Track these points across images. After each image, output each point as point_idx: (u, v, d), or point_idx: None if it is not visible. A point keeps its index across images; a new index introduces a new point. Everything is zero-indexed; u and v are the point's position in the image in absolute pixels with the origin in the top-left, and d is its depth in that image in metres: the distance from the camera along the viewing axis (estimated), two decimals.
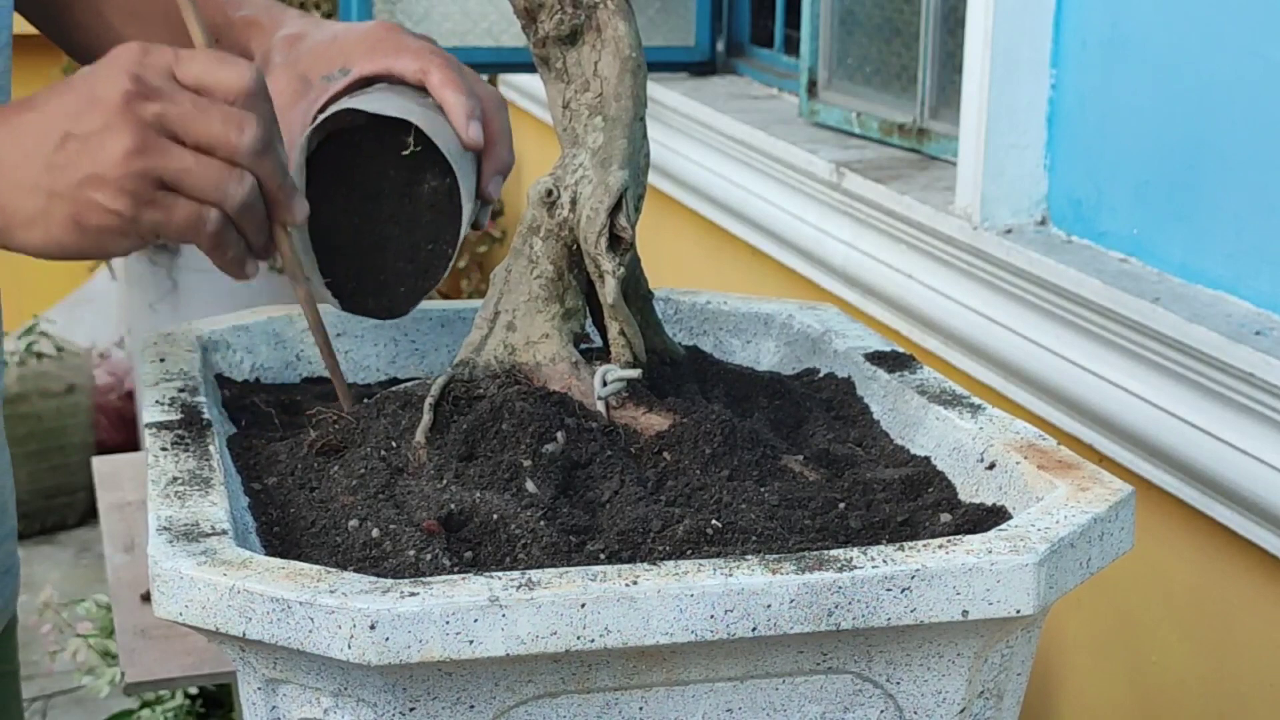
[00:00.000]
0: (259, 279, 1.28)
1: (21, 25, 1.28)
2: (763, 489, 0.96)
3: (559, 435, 0.97)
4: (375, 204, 1.18)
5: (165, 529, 0.87)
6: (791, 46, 2.72)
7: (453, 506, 0.92)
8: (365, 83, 1.18)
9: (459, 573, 0.85)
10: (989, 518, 0.96)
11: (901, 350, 1.18)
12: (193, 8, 1.06)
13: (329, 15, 4.14)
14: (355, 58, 1.18)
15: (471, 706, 0.83)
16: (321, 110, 1.16)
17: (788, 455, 1.02)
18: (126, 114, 0.95)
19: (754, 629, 0.82)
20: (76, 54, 1.35)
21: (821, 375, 1.20)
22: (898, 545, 0.87)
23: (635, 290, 1.08)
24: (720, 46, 2.94)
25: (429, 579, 0.81)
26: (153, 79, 0.97)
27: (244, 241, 1.01)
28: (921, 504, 0.98)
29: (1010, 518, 0.95)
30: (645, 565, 0.83)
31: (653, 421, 1.01)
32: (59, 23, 1.33)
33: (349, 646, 0.79)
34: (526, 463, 0.96)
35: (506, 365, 1.03)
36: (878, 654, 0.87)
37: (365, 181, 1.18)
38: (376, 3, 2.69)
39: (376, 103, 1.13)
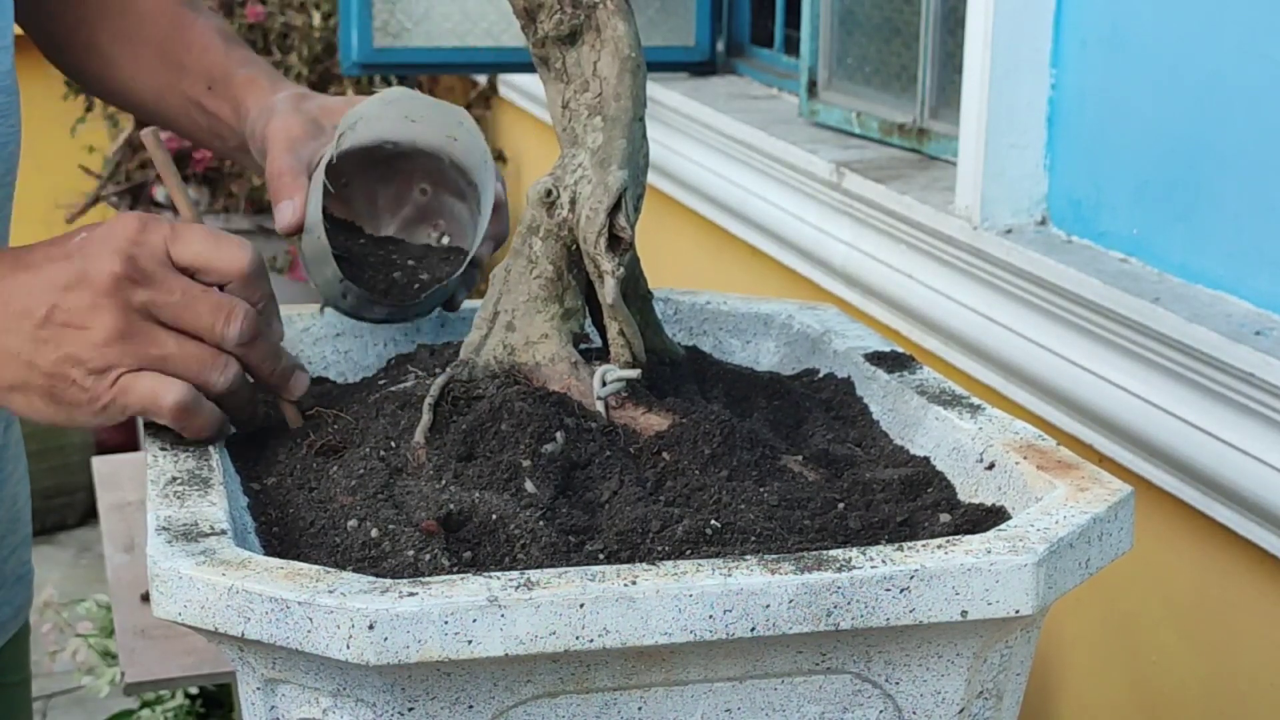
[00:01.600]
0: None
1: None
2: (762, 489, 0.96)
3: (558, 435, 0.97)
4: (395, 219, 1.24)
5: (164, 529, 0.87)
6: (791, 46, 2.72)
7: (452, 506, 0.92)
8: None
9: (458, 573, 0.85)
10: (988, 518, 0.96)
11: (901, 350, 1.18)
12: (177, 179, 1.06)
13: (328, 15, 4.14)
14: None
15: (470, 706, 0.83)
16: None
17: (787, 455, 1.02)
18: (114, 297, 0.96)
19: (753, 629, 0.82)
20: (67, 70, 1.36)
21: (821, 375, 1.20)
22: (897, 545, 0.87)
23: (635, 290, 1.08)
24: (720, 46, 2.94)
25: (428, 579, 0.81)
26: (145, 262, 0.97)
27: (219, 415, 1.01)
28: (921, 504, 0.98)
29: (1010, 518, 0.95)
30: (644, 565, 0.83)
31: (652, 421, 1.01)
32: (50, 37, 1.33)
33: (348, 646, 0.79)
34: (526, 463, 0.96)
35: (506, 365, 1.03)
36: (877, 654, 0.87)
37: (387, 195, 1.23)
38: (376, 2, 2.69)
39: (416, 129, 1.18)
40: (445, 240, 1.24)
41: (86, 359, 0.97)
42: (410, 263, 1.21)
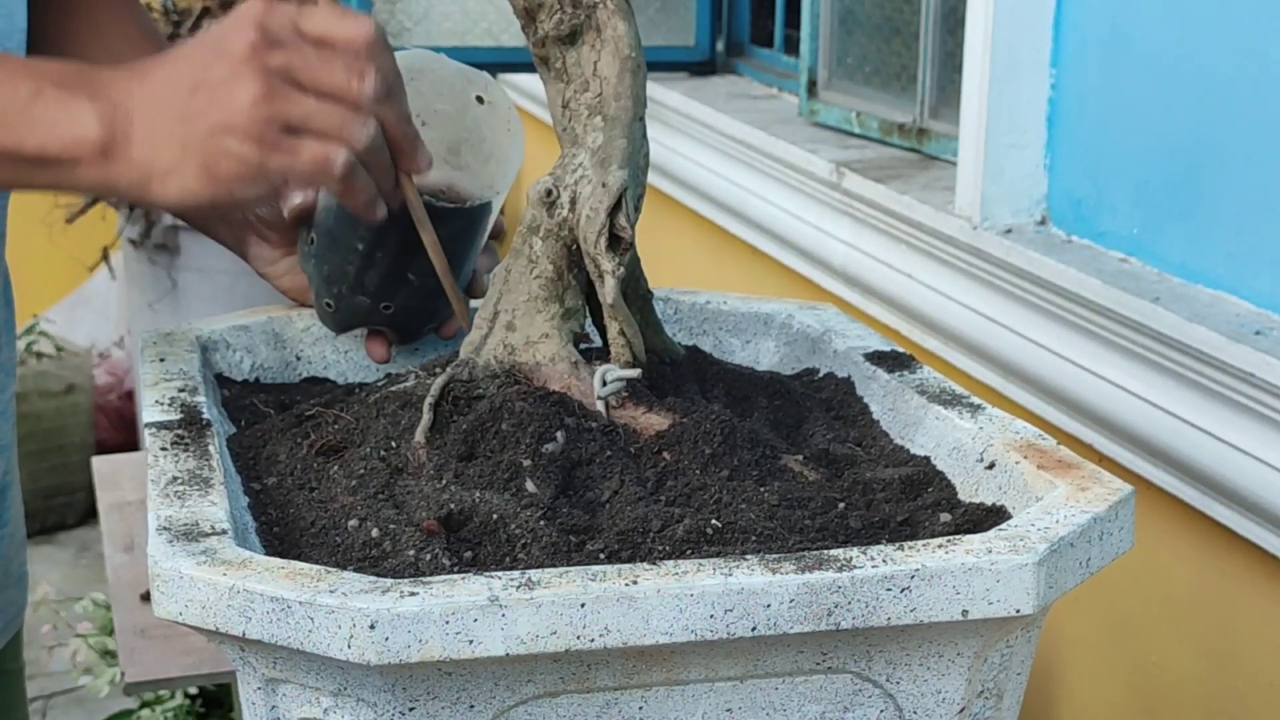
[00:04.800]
0: (260, 279, 1.28)
1: None
2: (762, 489, 0.96)
3: (559, 435, 0.97)
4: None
5: (165, 529, 0.87)
6: (791, 46, 2.72)
7: (452, 506, 0.92)
8: None
9: (459, 572, 0.85)
10: (989, 517, 0.96)
11: (901, 350, 1.18)
12: None
13: None
14: None
15: (471, 706, 0.83)
16: None
17: (787, 455, 1.02)
18: (253, 63, 0.98)
19: (754, 629, 0.82)
20: None
21: (821, 375, 1.20)
22: (897, 545, 0.87)
23: (635, 290, 1.08)
24: (720, 46, 2.94)
25: (429, 579, 0.81)
26: (278, 30, 0.99)
27: (372, 183, 1.03)
28: (921, 504, 0.98)
29: (1010, 517, 0.95)
30: (645, 565, 0.83)
31: (652, 421, 1.01)
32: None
33: (349, 646, 0.79)
34: (526, 462, 0.96)
35: (506, 365, 1.03)
36: (877, 654, 0.87)
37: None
38: (376, 2, 2.69)
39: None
40: None
41: (237, 124, 0.98)
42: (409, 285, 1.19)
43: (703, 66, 2.90)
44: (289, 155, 0.99)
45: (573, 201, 1.03)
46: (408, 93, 1.14)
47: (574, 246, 1.03)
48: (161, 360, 1.13)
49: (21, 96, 0.99)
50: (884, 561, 0.84)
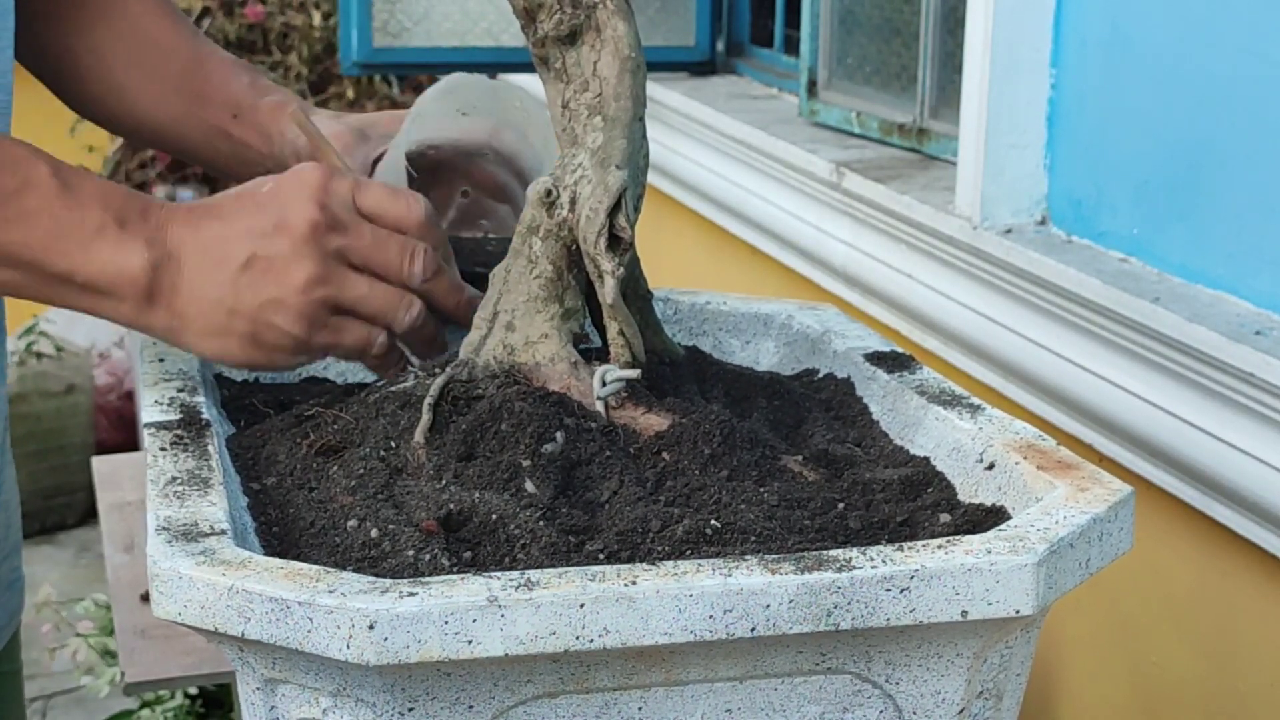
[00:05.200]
0: None
1: None
2: (762, 489, 0.96)
3: (558, 435, 0.97)
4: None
5: (164, 529, 0.87)
6: (791, 46, 2.72)
7: (452, 506, 0.92)
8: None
9: (458, 573, 0.85)
10: (988, 518, 0.96)
11: (901, 350, 1.18)
12: (327, 143, 1.15)
13: (328, 15, 4.14)
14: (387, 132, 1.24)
15: (470, 706, 0.83)
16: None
17: (787, 455, 1.02)
18: (313, 244, 1.02)
19: (753, 629, 0.82)
20: (62, 89, 1.35)
21: (821, 375, 1.20)
22: (897, 545, 0.87)
23: (635, 290, 1.08)
24: (720, 46, 2.94)
25: (428, 579, 0.81)
26: (338, 210, 1.03)
27: (404, 353, 1.09)
28: (921, 504, 0.98)
29: (1010, 518, 0.95)
30: (644, 565, 0.83)
31: (652, 421, 1.01)
32: (53, 61, 1.33)
33: (348, 646, 0.79)
34: (526, 463, 0.96)
35: (505, 365, 1.03)
36: (877, 654, 0.87)
37: None
38: (376, 2, 2.69)
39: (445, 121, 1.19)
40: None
41: (289, 303, 1.02)
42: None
43: (703, 66, 2.90)
44: (333, 335, 1.04)
45: (572, 202, 1.03)
46: (446, 103, 1.16)
47: (574, 246, 1.03)
48: (161, 360, 1.13)
49: (88, 228, 1.02)
50: (884, 562, 0.84)
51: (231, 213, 1.04)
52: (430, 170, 1.22)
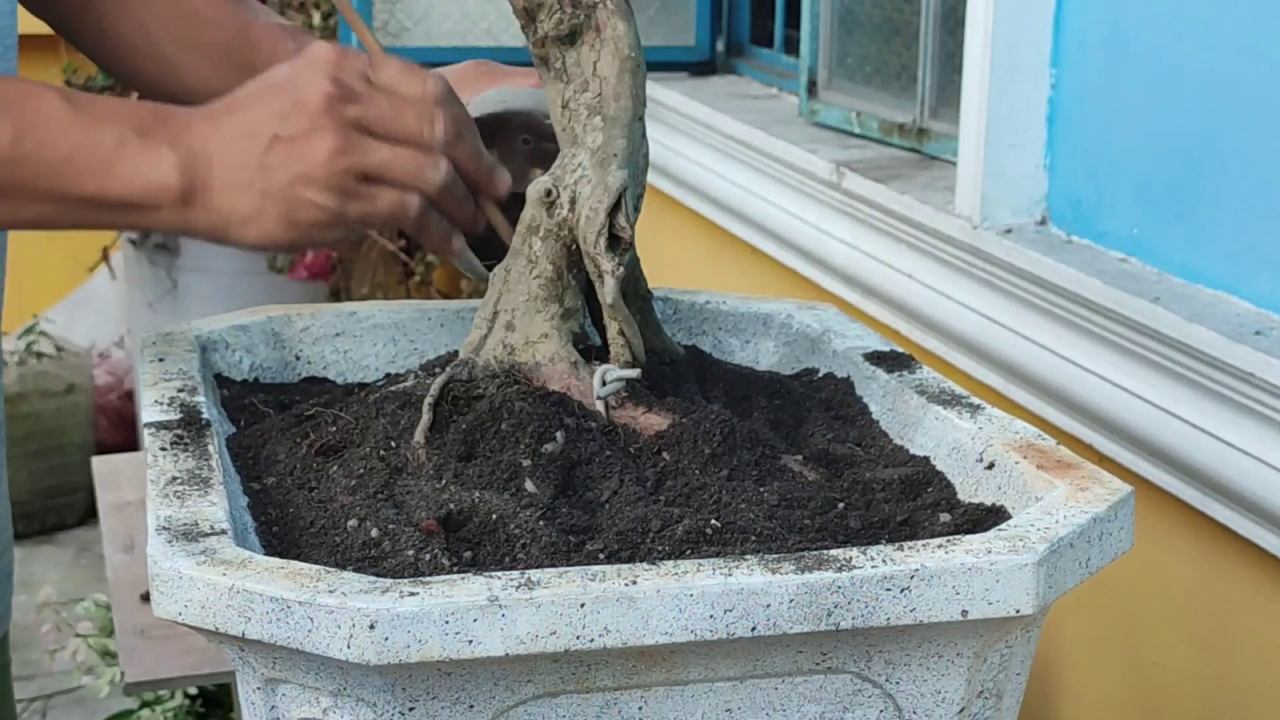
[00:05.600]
0: (259, 278, 1.29)
1: (25, 26, 1.28)
2: (762, 489, 0.96)
3: (558, 435, 0.97)
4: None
5: (164, 529, 0.87)
6: (791, 46, 2.72)
7: (452, 506, 0.92)
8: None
9: (458, 572, 0.85)
10: (988, 517, 0.96)
11: (901, 350, 1.18)
12: (366, 25, 1.14)
13: (327, 16, 4.14)
14: (462, 90, 1.23)
15: (471, 706, 0.83)
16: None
17: (787, 455, 1.02)
18: (330, 115, 1.02)
19: (753, 629, 0.82)
20: (114, 67, 1.36)
21: (821, 375, 1.20)
22: (897, 545, 0.87)
23: (634, 290, 1.08)
24: (720, 46, 2.94)
25: (428, 579, 0.81)
26: (351, 82, 1.04)
27: (446, 221, 1.08)
28: (921, 504, 0.98)
29: (1010, 517, 0.95)
30: (644, 565, 0.83)
31: (652, 421, 1.01)
32: (99, 41, 1.33)
33: (348, 646, 0.79)
34: (526, 462, 0.96)
35: (506, 365, 1.03)
36: (877, 654, 0.87)
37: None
38: (376, 2, 2.69)
39: (506, 95, 1.20)
40: None
41: (317, 176, 1.02)
42: None
43: (703, 66, 2.90)
44: (366, 202, 1.04)
45: (572, 201, 1.03)
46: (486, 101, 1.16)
47: (574, 246, 1.03)
48: (161, 360, 1.13)
49: (107, 145, 1.03)
50: (884, 561, 0.84)
51: (250, 102, 1.05)
52: (488, 132, 1.23)
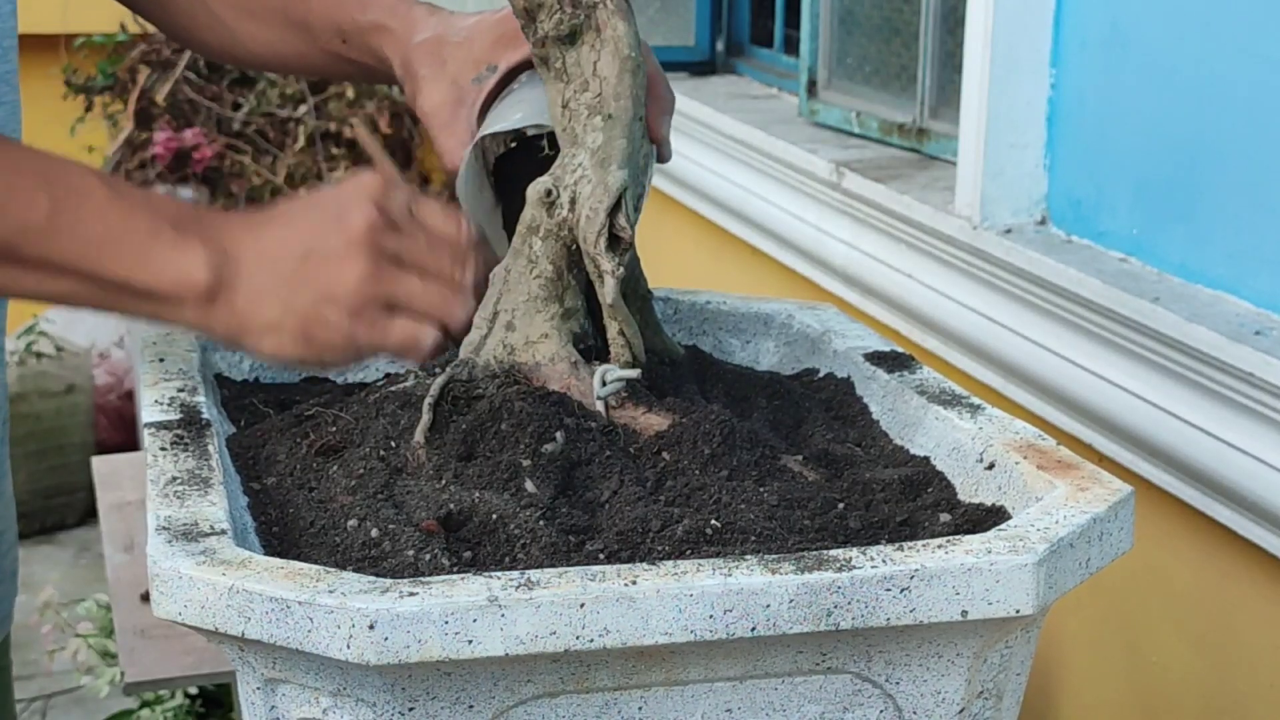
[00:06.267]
0: None
1: (25, 26, 1.28)
2: (762, 489, 0.96)
3: (558, 435, 0.97)
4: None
5: (164, 529, 0.87)
6: (791, 46, 2.72)
7: (452, 506, 0.92)
8: (514, 72, 1.21)
9: (458, 573, 0.85)
10: (988, 518, 0.96)
11: (901, 350, 1.18)
12: (384, 154, 1.18)
13: None
14: (497, 52, 1.22)
15: (470, 706, 0.83)
16: (483, 112, 1.20)
17: (787, 455, 1.02)
18: (369, 241, 1.03)
19: (753, 629, 0.82)
20: (179, 36, 1.38)
21: (821, 375, 1.20)
22: (897, 545, 0.87)
23: (635, 290, 1.08)
24: (720, 46, 2.94)
25: (428, 579, 0.81)
26: (395, 213, 1.04)
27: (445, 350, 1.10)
28: (921, 504, 0.98)
29: (1010, 518, 0.95)
30: (644, 565, 0.83)
31: (652, 421, 1.01)
32: (160, 11, 1.35)
33: (348, 646, 0.79)
34: (526, 462, 0.96)
35: (506, 365, 1.03)
36: (877, 654, 0.87)
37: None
38: None
39: (521, 109, 1.16)
40: None
41: (342, 299, 1.02)
42: None
43: (703, 66, 2.90)
44: (382, 332, 1.04)
45: (572, 201, 1.03)
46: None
47: (574, 246, 1.03)
48: (161, 360, 1.13)
49: (141, 232, 1.02)
50: (884, 562, 0.84)
51: (289, 215, 1.05)
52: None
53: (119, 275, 1.02)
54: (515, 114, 1.16)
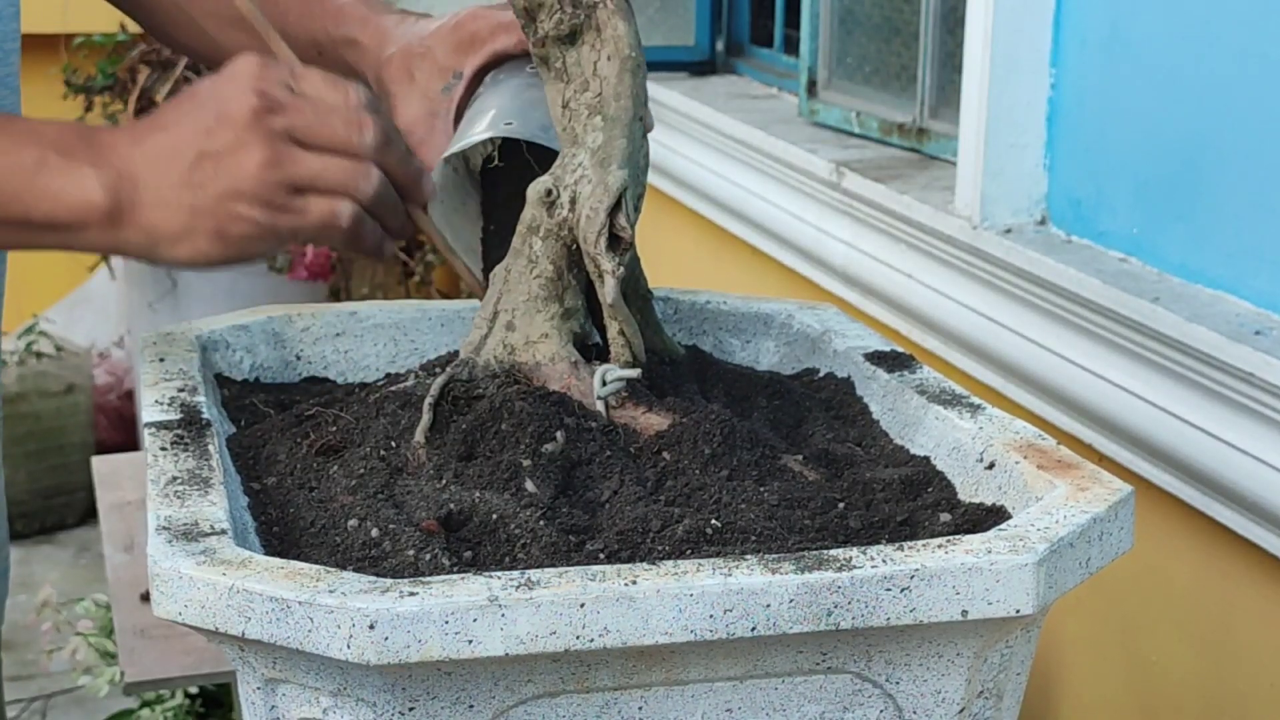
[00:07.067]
0: (259, 278, 1.29)
1: (25, 26, 1.28)
2: (762, 489, 0.96)
3: (558, 435, 0.97)
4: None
5: (164, 528, 0.87)
6: (791, 46, 2.72)
7: (452, 506, 0.92)
8: (480, 73, 1.21)
9: (458, 572, 0.85)
10: (988, 517, 0.96)
11: (901, 350, 1.18)
12: (276, 36, 1.12)
13: None
14: (459, 58, 1.22)
15: (471, 706, 0.83)
16: (458, 118, 1.21)
17: (787, 455, 1.02)
18: (257, 128, 1.01)
19: (753, 629, 0.82)
20: (163, 39, 1.38)
21: (821, 375, 1.20)
22: (897, 545, 0.87)
23: (635, 290, 1.08)
24: (720, 46, 2.94)
25: (428, 579, 0.81)
26: (276, 92, 1.02)
27: (379, 228, 1.06)
28: (921, 504, 0.98)
29: (1010, 517, 0.95)
30: (644, 565, 0.83)
31: (652, 421, 1.01)
32: (139, 12, 1.35)
33: (348, 646, 0.79)
34: (526, 462, 0.96)
35: (506, 365, 1.03)
36: (877, 654, 0.87)
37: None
38: None
39: (483, 119, 1.16)
40: None
41: (247, 190, 1.01)
42: None
43: (703, 66, 2.90)
44: (297, 215, 1.02)
45: (573, 201, 1.03)
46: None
47: (574, 246, 1.03)
48: (161, 360, 1.13)
49: (27, 166, 1.01)
50: (884, 561, 0.84)
51: (173, 119, 1.03)
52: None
53: (16, 213, 1.02)
54: (478, 126, 1.16)
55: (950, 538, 0.88)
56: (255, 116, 1.01)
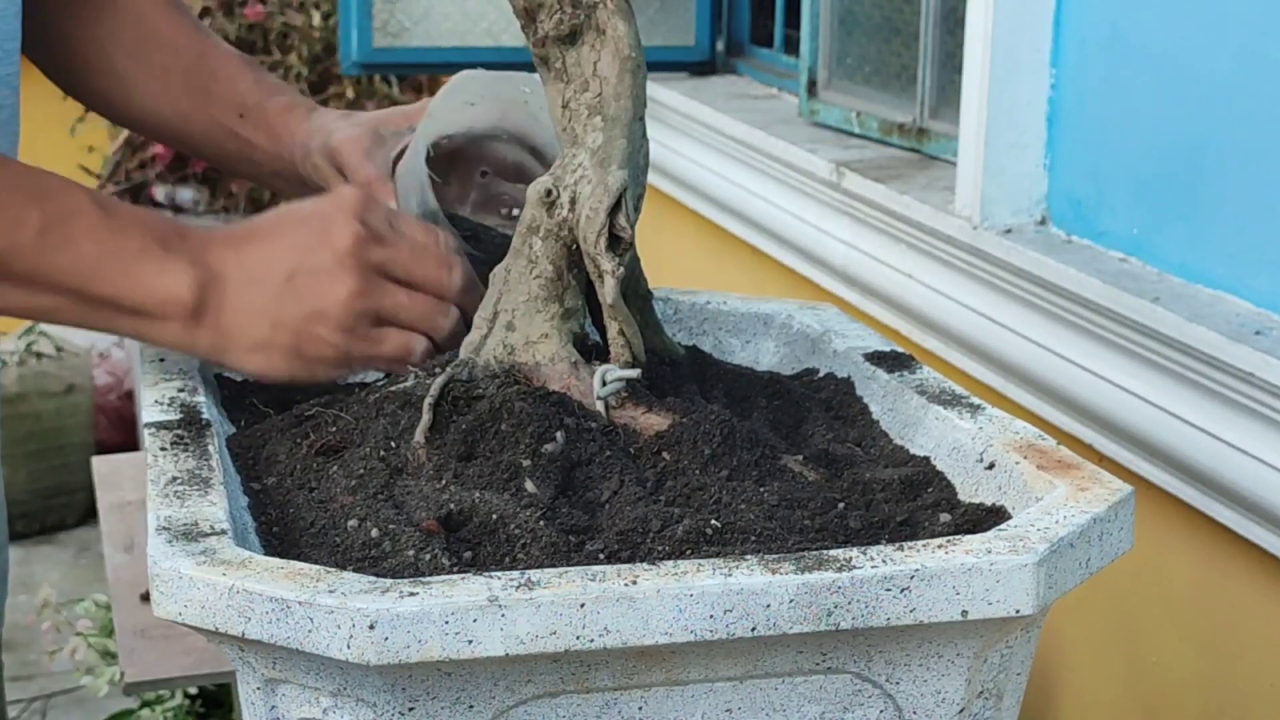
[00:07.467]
0: None
1: None
2: (762, 489, 0.96)
3: (558, 435, 0.97)
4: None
5: (164, 529, 0.87)
6: (791, 46, 2.72)
7: (452, 506, 0.92)
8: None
9: (458, 572, 0.85)
10: (989, 518, 0.96)
11: (901, 350, 1.18)
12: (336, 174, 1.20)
13: (328, 15, 4.14)
14: (358, 156, 1.25)
15: (471, 706, 0.83)
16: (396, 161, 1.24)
17: (787, 455, 1.02)
18: (355, 256, 1.04)
19: (753, 629, 0.82)
20: (62, 79, 1.36)
21: (821, 375, 1.20)
22: (897, 545, 0.87)
23: (635, 290, 1.08)
24: (720, 46, 2.94)
25: (428, 579, 0.81)
26: (378, 226, 1.06)
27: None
28: (921, 504, 0.98)
29: (1010, 518, 0.95)
30: (644, 565, 0.83)
31: (652, 421, 1.01)
32: (49, 51, 1.34)
33: (348, 646, 0.79)
34: (526, 463, 0.96)
35: (506, 365, 1.03)
36: (877, 654, 0.87)
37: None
38: (376, 2, 2.69)
39: (482, 111, 1.20)
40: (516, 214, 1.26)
41: (333, 315, 1.04)
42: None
43: (703, 66, 2.90)
44: (374, 344, 1.06)
45: (572, 201, 1.03)
46: (454, 98, 1.17)
47: (574, 246, 1.03)
48: (161, 360, 1.13)
49: (130, 251, 1.04)
50: (884, 562, 0.84)
51: (273, 232, 1.06)
52: (447, 160, 1.24)
53: (107, 293, 1.04)
54: (431, 129, 1.20)
55: (950, 538, 0.88)
56: (356, 245, 1.04)
